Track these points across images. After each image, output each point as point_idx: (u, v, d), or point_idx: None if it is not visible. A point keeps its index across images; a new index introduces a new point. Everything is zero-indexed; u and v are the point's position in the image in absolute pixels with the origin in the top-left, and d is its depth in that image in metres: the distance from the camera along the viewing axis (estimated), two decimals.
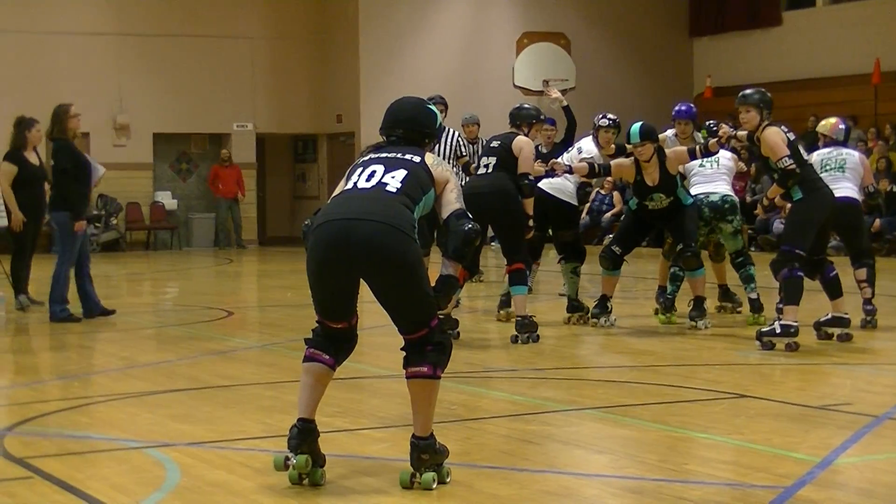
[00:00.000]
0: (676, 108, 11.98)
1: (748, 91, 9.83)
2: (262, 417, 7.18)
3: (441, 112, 13.25)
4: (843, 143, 11.07)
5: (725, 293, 12.10)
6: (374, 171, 5.65)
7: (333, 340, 5.74)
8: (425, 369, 5.55)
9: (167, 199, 25.70)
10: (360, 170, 5.72)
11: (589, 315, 11.32)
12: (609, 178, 11.97)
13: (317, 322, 5.72)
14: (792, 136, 9.67)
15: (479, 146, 15.79)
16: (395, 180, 5.58)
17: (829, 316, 10.12)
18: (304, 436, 5.55)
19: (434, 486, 5.45)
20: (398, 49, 26.17)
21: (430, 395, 5.59)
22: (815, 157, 10.76)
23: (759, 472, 5.72)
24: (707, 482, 5.54)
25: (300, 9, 26.62)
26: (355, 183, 5.66)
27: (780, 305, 9.74)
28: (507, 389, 8.36)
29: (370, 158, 5.76)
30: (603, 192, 24.08)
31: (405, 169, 5.62)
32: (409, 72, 25.88)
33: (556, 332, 10.96)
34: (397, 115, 5.89)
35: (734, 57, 28.13)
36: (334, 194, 5.76)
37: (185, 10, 25.52)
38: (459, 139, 13.43)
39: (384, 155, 5.74)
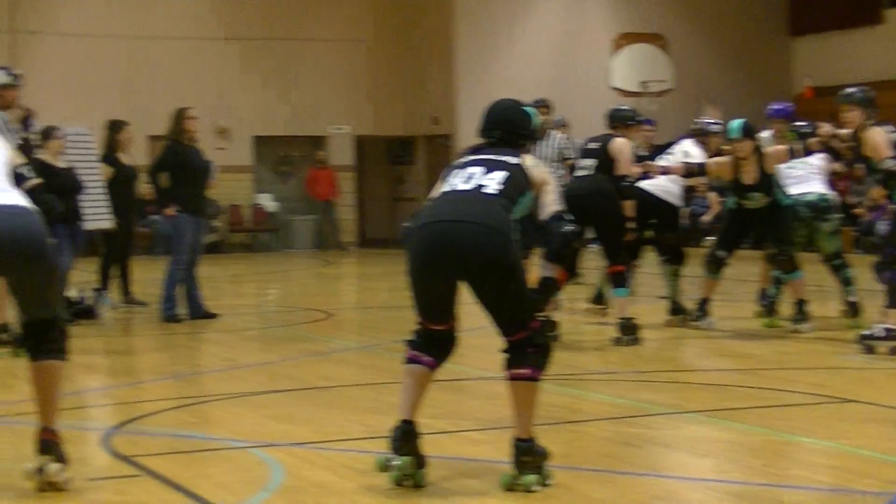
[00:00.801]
0: (772, 107, 11.84)
1: (850, 90, 9.69)
2: (362, 418, 7.21)
3: (545, 114, 13.28)
4: None
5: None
6: (472, 173, 5.64)
7: (434, 342, 5.74)
8: (526, 371, 5.54)
9: (268, 202, 25.97)
10: (458, 171, 5.71)
11: (690, 317, 11.23)
12: (703, 181, 11.79)
13: (418, 324, 5.72)
14: None
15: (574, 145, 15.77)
16: (493, 182, 5.57)
17: None
18: (407, 437, 5.56)
19: (535, 488, 5.43)
20: (493, 50, 26.15)
21: (530, 397, 5.57)
22: None
23: (865, 477, 5.63)
24: (811, 487, 5.47)
25: (395, 11, 26.73)
26: (454, 185, 5.66)
27: (885, 308, 9.57)
28: (608, 392, 8.32)
29: (469, 160, 5.75)
30: (698, 193, 23.90)
31: (504, 171, 5.61)
32: (504, 73, 25.84)
33: (657, 334, 10.88)
34: (494, 116, 5.88)
35: (834, 56, 27.76)
36: (431, 196, 5.77)
37: (283, 15, 25.75)
38: (563, 141, 13.42)
39: (483, 157, 5.74)
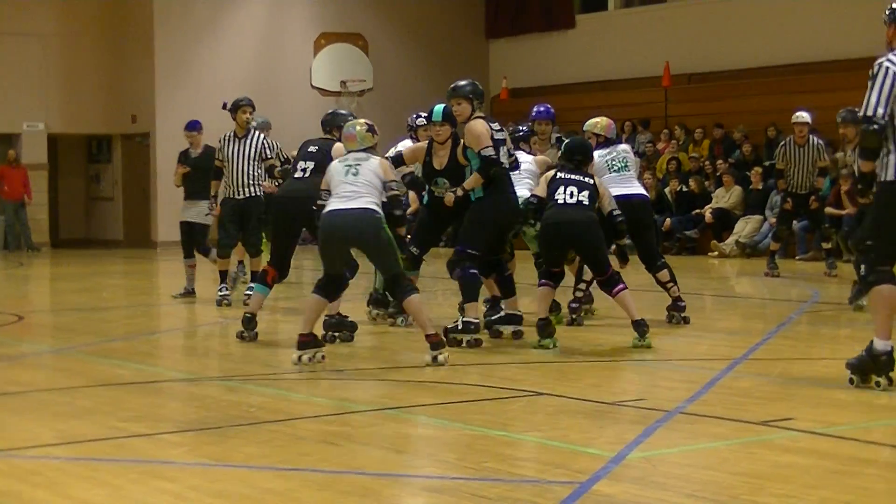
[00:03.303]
0: (536, 108, 12.02)
1: (460, 83, 10.16)
2: (54, 424, 7.00)
3: (248, 114, 13.24)
4: (617, 141, 11.44)
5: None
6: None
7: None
8: None
9: None
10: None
11: (390, 314, 11.36)
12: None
13: None
14: (502, 136, 10.06)
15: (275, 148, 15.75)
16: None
17: (503, 314, 10.44)
18: None
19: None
20: (194, 49, 25.86)
21: None
22: (598, 159, 10.99)
23: (556, 468, 5.80)
24: (506, 479, 5.60)
25: (94, 5, 26.10)
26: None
27: (463, 304, 10.08)
28: (307, 391, 8.32)
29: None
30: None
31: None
32: (207, 73, 25.61)
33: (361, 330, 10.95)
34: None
35: (530, 59, 28.57)
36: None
37: None
38: (265, 141, 13.36)
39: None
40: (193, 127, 14.61)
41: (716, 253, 21.06)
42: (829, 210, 18.20)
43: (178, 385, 8.58)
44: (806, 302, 13.60)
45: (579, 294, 11.32)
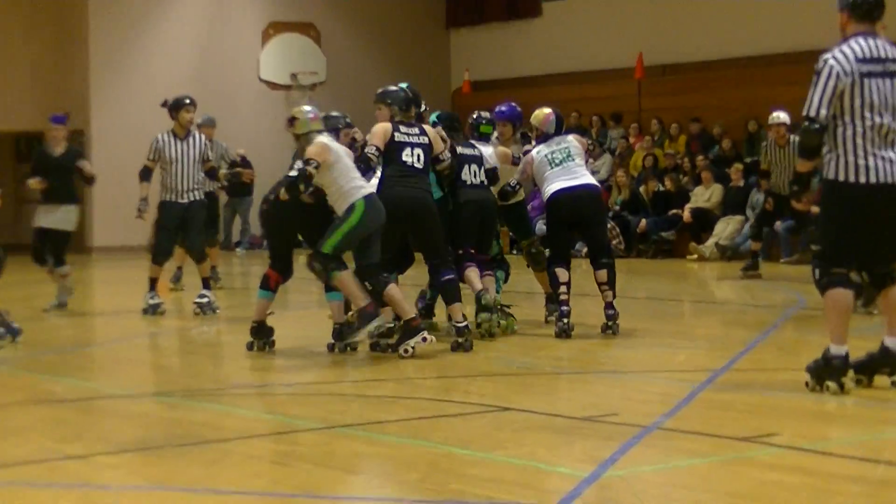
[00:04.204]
0: (497, 108, 12.08)
1: (390, 89, 10.70)
2: None
3: (191, 114, 13.32)
4: (556, 134, 11.41)
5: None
6: None
7: None
8: None
9: None
10: None
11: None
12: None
13: None
14: (418, 140, 10.43)
15: (218, 149, 15.76)
16: None
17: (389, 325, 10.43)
18: None
19: None
20: (133, 40, 25.74)
21: None
22: (537, 157, 11.12)
23: (525, 488, 5.78)
24: (471, 502, 5.57)
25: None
26: None
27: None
28: (255, 407, 8.28)
29: None
30: None
31: None
32: (145, 67, 25.51)
33: (293, 343, 10.93)
34: None
35: (493, 50, 28.59)
36: None
37: None
38: (207, 142, 13.43)
39: None
40: (59, 121, 14.32)
41: (694, 256, 21.13)
42: (816, 209, 18.26)
43: (115, 402, 8.52)
44: (792, 307, 13.64)
45: (563, 298, 11.15)
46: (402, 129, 10.46)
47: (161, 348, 11.73)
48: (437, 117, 11.48)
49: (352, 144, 10.90)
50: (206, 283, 13.62)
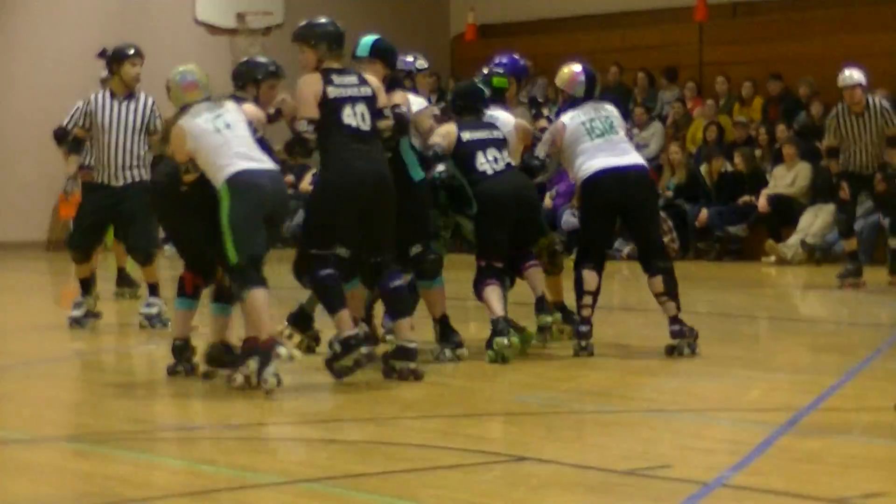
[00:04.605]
0: (496, 60, 12.14)
1: (312, 23, 10.70)
2: None
3: (137, 68, 13.37)
4: (588, 99, 11.44)
5: (563, 312, 12.01)
6: None
7: None
8: None
9: None
10: None
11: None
12: None
13: None
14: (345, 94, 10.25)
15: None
16: None
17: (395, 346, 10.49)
18: None
19: None
20: None
21: None
22: (570, 123, 11.11)
23: None
24: None
25: None
26: None
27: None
28: (188, 455, 8.30)
29: None
30: None
31: None
32: (58, 10, 25.50)
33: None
34: None
35: None
36: None
37: None
38: (156, 107, 13.47)
39: None
40: None
41: (772, 258, 21.12)
42: None
43: (9, 449, 8.53)
44: None
45: (586, 312, 11.19)
46: (336, 79, 10.30)
47: (72, 377, 11.69)
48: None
49: (277, 112, 10.74)
50: (153, 290, 13.66)
